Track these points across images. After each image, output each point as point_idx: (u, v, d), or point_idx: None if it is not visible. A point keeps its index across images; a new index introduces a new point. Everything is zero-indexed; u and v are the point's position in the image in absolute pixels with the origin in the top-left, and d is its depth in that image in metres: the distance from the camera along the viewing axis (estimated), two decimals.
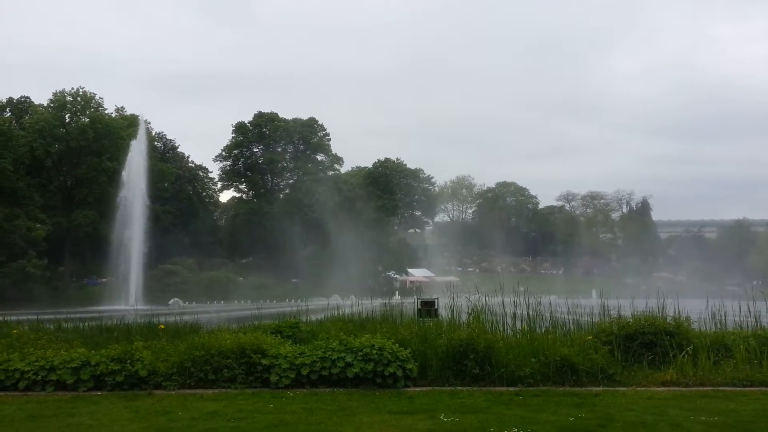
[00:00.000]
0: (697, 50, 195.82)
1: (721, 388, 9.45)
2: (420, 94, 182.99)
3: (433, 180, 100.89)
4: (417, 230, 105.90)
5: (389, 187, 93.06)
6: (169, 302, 48.12)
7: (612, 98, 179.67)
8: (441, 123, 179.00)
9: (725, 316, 12.93)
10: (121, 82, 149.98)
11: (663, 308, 12.29)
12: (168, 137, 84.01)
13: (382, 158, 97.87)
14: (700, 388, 9.43)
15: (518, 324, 12.08)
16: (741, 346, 10.58)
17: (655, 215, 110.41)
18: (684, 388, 9.45)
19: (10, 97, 70.36)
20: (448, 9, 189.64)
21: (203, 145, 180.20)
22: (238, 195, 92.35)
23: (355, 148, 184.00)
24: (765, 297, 13.08)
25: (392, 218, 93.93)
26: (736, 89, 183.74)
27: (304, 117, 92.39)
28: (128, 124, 67.97)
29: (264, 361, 9.54)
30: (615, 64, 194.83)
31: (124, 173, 53.12)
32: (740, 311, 13.29)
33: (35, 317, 15.30)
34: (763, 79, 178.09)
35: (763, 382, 9.62)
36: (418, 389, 9.39)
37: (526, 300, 12.58)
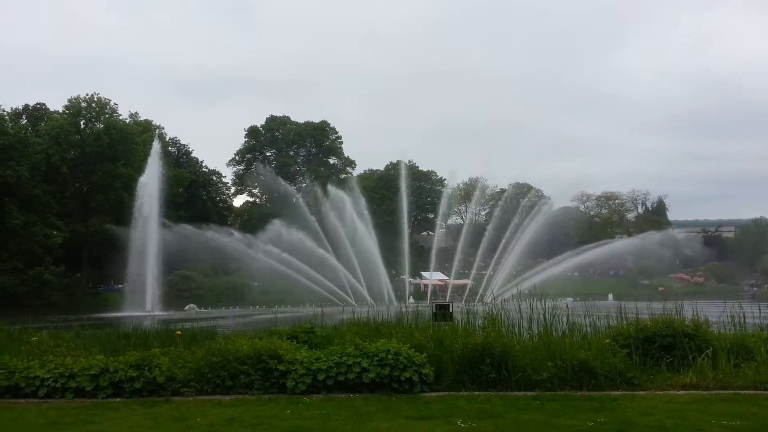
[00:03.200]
0: (710, 45, 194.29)
1: (741, 391, 9.32)
2: (432, 96, 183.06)
3: (445, 182, 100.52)
4: (430, 233, 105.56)
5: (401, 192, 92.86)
6: (185, 308, 48.41)
7: (625, 97, 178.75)
8: (453, 125, 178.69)
9: (744, 318, 12.76)
10: (135, 88, 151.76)
11: (681, 310, 12.16)
12: (182, 142, 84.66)
13: (395, 160, 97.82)
14: (721, 392, 9.31)
15: (534, 327, 12.00)
16: (762, 348, 10.44)
17: (672, 215, 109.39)
18: (704, 392, 9.33)
19: (26, 104, 71.40)
20: (460, 10, 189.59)
21: (216, 150, 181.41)
22: (251, 199, 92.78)
23: (367, 151, 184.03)
24: None
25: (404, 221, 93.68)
26: (751, 83, 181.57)
27: (316, 120, 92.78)
28: (142, 129, 68.60)
29: (280, 367, 9.56)
30: (627, 62, 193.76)
31: (140, 183, 53.40)
32: (760, 312, 13.13)
33: (54, 324, 15.46)
34: None
35: None
36: (434, 394, 9.36)
37: (543, 303, 12.51)
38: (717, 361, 10.16)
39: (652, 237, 62.68)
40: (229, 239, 52.29)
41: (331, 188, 62.50)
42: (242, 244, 51.62)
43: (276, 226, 52.81)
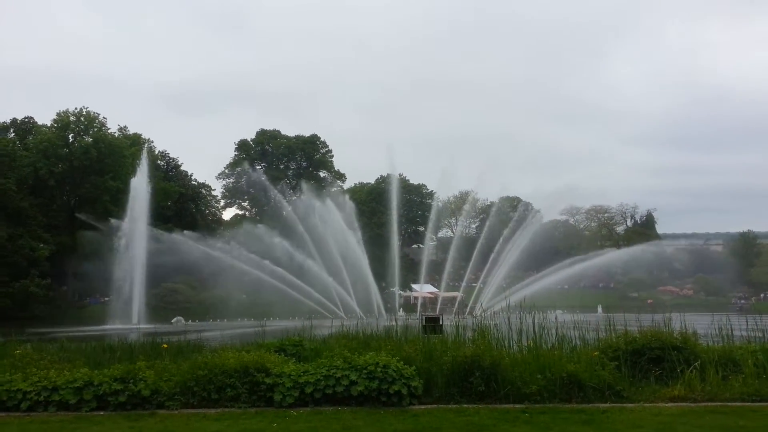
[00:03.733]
0: (699, 57, 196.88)
1: (729, 403, 9.34)
2: (423, 108, 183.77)
3: (436, 195, 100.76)
4: (420, 245, 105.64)
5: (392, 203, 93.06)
6: (172, 321, 48.02)
7: (615, 108, 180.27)
8: (444, 137, 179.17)
9: (732, 330, 12.82)
10: (125, 102, 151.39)
11: (669, 322, 12.19)
12: (171, 156, 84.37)
13: (385, 174, 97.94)
14: (709, 404, 9.32)
15: (524, 340, 11.98)
16: (749, 361, 10.48)
17: (660, 228, 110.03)
18: (692, 404, 9.34)
19: (14, 118, 70.98)
20: (451, 22, 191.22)
21: (205, 163, 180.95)
22: (240, 212, 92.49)
23: (358, 164, 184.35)
24: None
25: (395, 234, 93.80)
26: (740, 96, 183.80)
27: (307, 134, 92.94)
28: (131, 143, 68.37)
29: (267, 380, 9.46)
30: (617, 74, 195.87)
31: (129, 204, 53.20)
32: (747, 325, 13.20)
33: (38, 337, 15.27)
34: (765, 85, 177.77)
35: None
36: (423, 407, 9.30)
37: (532, 315, 12.49)
38: (705, 374, 10.18)
39: (641, 249, 63.09)
40: (215, 251, 51.96)
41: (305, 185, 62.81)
42: (229, 254, 51.39)
43: (252, 229, 52.88)
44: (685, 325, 12.07)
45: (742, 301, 69.40)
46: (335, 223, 56.30)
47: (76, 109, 64.79)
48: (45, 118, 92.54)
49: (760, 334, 12.41)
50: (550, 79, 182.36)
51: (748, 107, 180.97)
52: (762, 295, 78.91)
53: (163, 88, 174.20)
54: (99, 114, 65.45)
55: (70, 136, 64.38)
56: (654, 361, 10.73)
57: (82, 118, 64.52)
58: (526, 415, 8.65)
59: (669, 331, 11.60)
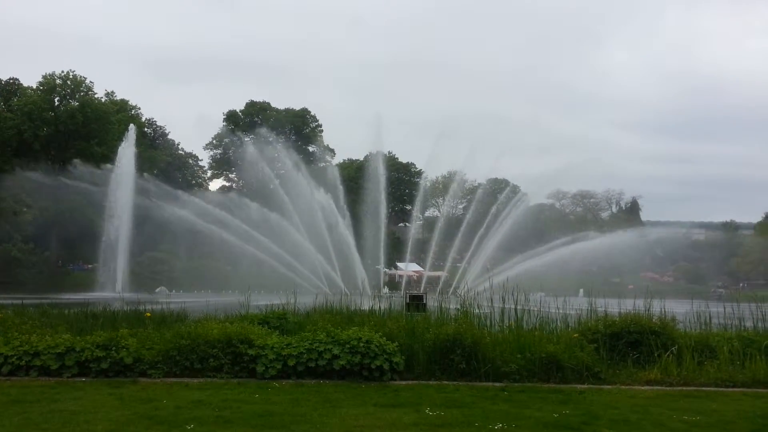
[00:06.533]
0: (694, 47, 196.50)
1: (704, 388, 9.55)
2: (412, 88, 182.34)
3: (424, 174, 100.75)
4: (406, 224, 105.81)
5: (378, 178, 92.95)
6: (156, 290, 47.87)
7: (606, 95, 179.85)
8: (435, 119, 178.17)
9: (710, 317, 13.07)
10: (112, 66, 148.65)
11: (649, 308, 12.38)
12: (158, 124, 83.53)
13: (374, 151, 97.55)
14: (684, 388, 9.52)
15: (506, 320, 12.13)
16: (725, 347, 10.71)
17: (644, 215, 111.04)
18: (668, 388, 9.54)
19: None
20: (444, 2, 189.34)
21: (194, 132, 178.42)
22: (228, 184, 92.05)
23: (349, 140, 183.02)
24: (749, 299, 13.24)
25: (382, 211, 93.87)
26: (731, 86, 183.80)
27: (297, 107, 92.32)
28: (118, 109, 67.54)
29: (250, 352, 9.52)
30: (611, 61, 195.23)
31: (115, 167, 52.54)
32: (725, 312, 13.45)
33: (20, 301, 15.20)
34: (759, 77, 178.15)
35: (744, 383, 9.75)
36: (404, 383, 9.41)
37: (514, 296, 12.63)
38: (681, 359, 10.38)
39: (625, 235, 63.71)
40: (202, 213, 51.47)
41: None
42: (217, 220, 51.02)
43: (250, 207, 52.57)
44: (665, 311, 12.28)
45: (721, 290, 70.50)
46: (322, 198, 56.19)
47: (62, 72, 63.82)
48: (30, 79, 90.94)
49: (737, 322, 12.67)
50: (543, 64, 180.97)
51: (743, 98, 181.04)
52: (741, 284, 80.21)
53: (151, 56, 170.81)
54: (86, 78, 64.51)
55: (56, 100, 63.47)
56: (632, 344, 10.93)
57: (69, 82, 63.52)
58: (505, 393, 8.80)
59: (648, 316, 11.80)
